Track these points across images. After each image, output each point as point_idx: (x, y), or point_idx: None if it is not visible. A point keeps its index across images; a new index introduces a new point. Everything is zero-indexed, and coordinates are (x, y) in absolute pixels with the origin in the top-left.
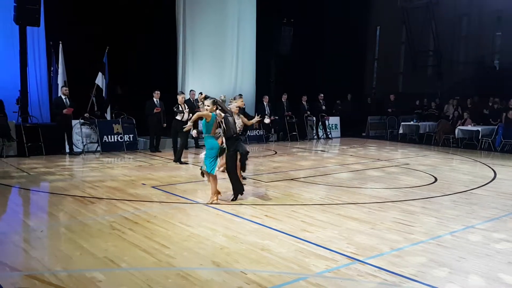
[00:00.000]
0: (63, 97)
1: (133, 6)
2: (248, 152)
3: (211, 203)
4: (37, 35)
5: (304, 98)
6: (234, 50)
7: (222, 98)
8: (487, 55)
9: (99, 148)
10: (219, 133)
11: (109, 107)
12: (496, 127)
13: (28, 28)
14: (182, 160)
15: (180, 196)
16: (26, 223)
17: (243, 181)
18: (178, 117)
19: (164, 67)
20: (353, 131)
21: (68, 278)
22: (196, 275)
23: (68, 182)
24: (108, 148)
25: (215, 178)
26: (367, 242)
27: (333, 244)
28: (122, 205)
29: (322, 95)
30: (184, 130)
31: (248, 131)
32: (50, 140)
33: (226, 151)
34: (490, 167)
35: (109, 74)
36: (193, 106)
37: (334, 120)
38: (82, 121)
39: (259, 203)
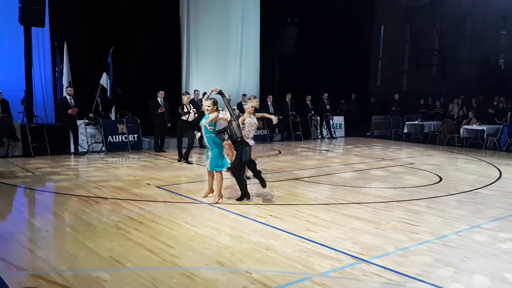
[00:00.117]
0: (68, 97)
1: (137, 7)
2: (250, 160)
3: (216, 203)
4: (42, 36)
5: (308, 97)
6: (238, 50)
7: (228, 97)
8: (492, 54)
9: (103, 148)
10: (224, 136)
11: (113, 107)
12: (501, 126)
13: (33, 29)
14: (189, 160)
15: (184, 196)
16: (32, 223)
17: (247, 181)
18: (184, 117)
19: (168, 67)
20: (358, 130)
21: (73, 278)
22: (201, 274)
23: (73, 182)
24: (113, 148)
25: (221, 177)
26: (372, 241)
27: (337, 244)
28: (127, 205)
29: (326, 94)
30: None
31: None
32: (55, 140)
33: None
34: (495, 167)
35: (114, 74)
36: (197, 106)
37: (338, 120)
38: (86, 121)
39: (264, 203)
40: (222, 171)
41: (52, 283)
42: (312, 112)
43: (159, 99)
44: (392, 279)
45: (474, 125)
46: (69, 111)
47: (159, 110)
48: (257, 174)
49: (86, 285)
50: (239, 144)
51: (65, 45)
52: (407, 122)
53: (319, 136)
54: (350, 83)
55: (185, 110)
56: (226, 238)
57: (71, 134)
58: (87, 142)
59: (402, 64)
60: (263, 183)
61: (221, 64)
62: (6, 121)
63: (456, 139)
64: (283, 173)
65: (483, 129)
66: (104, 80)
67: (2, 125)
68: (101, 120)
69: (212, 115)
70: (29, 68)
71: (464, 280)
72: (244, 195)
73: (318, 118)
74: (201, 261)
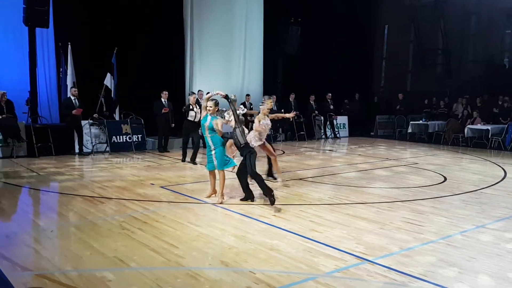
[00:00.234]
0: (72, 97)
1: (140, 7)
2: (255, 173)
3: (220, 203)
4: (46, 36)
5: (312, 97)
6: (242, 50)
7: (233, 97)
8: (496, 53)
9: (108, 149)
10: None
11: (117, 107)
12: (506, 126)
13: (37, 30)
14: (196, 161)
15: (188, 196)
16: (36, 223)
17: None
18: (190, 118)
19: (172, 68)
20: (362, 130)
21: (78, 278)
22: (205, 274)
23: (77, 182)
24: (117, 148)
25: (224, 176)
26: (376, 242)
27: (342, 244)
28: (131, 205)
29: (330, 94)
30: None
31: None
32: (59, 141)
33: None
34: (500, 166)
35: (118, 74)
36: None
37: (342, 120)
38: (91, 121)
39: (268, 203)
40: (225, 171)
41: (57, 283)
42: (316, 112)
43: (163, 100)
44: (397, 279)
45: (479, 124)
46: (74, 111)
47: (163, 110)
48: (265, 190)
49: (90, 285)
50: (244, 150)
51: (69, 45)
52: (411, 122)
53: (323, 136)
54: (353, 83)
55: (194, 109)
56: (230, 238)
57: (75, 135)
58: (92, 143)
59: (406, 63)
60: (271, 201)
61: (225, 64)
62: (11, 122)
63: (460, 139)
64: (286, 173)
65: (487, 129)
66: (108, 81)
67: (7, 126)
68: (105, 120)
69: (219, 123)
70: (33, 68)
71: (469, 280)
72: (248, 197)
73: (322, 118)
74: (205, 261)
